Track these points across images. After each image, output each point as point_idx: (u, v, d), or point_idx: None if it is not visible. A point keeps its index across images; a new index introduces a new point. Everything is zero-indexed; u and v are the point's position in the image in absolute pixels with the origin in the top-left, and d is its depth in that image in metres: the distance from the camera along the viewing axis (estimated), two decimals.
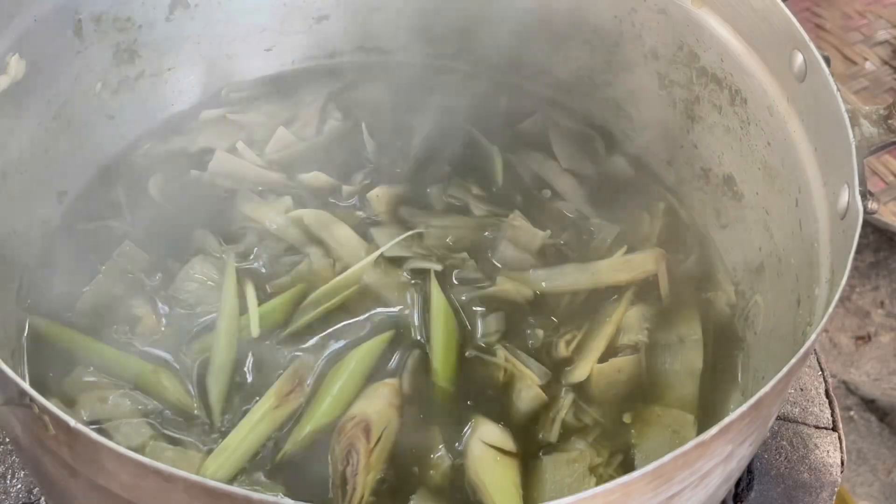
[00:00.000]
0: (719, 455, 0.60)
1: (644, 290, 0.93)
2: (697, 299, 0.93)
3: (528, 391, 0.83)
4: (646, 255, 0.95)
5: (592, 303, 0.91)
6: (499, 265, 0.94)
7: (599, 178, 1.04)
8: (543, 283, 0.92)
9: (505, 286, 0.91)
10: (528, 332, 0.88)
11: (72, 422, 0.53)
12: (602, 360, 0.86)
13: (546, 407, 0.83)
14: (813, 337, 0.61)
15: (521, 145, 1.06)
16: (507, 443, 0.80)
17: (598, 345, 0.87)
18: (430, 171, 1.02)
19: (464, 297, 0.90)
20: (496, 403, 0.83)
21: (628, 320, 0.90)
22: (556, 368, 0.86)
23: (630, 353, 0.87)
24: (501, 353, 0.86)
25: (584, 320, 0.90)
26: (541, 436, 0.81)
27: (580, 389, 0.85)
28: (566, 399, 0.83)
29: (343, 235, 0.94)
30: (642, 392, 0.85)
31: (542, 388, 0.84)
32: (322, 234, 0.94)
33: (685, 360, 0.87)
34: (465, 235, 0.96)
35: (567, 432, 0.82)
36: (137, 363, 0.83)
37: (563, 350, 0.87)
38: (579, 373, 0.85)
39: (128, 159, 1.03)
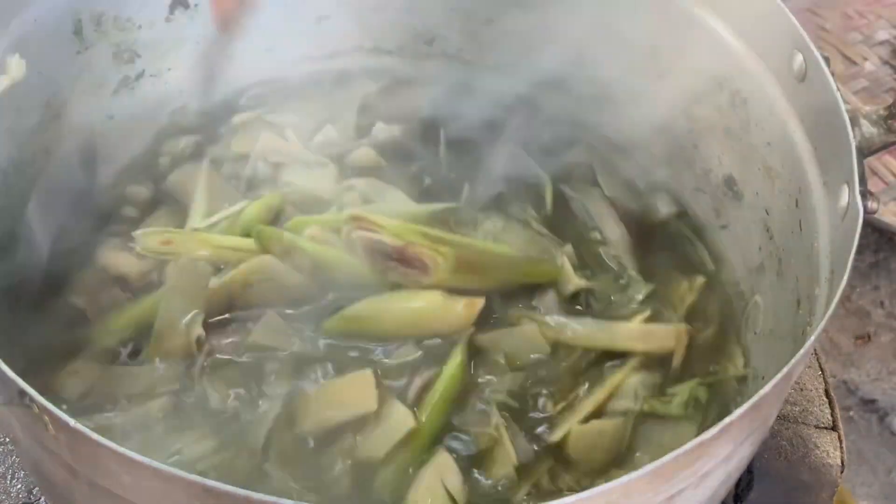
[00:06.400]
0: (719, 455, 0.60)
1: (654, 359, 0.87)
2: (707, 373, 0.87)
3: (502, 468, 0.77)
4: (668, 330, 0.88)
5: (599, 363, 0.86)
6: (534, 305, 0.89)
7: (642, 219, 1.00)
8: (562, 333, 0.86)
9: (525, 329, 0.86)
10: (530, 381, 0.84)
11: (72, 422, 0.53)
12: (585, 421, 0.81)
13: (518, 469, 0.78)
14: (813, 337, 0.61)
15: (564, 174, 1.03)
16: (460, 496, 0.75)
17: (584, 406, 0.82)
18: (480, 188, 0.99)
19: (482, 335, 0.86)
20: (466, 456, 0.78)
21: (626, 386, 0.84)
22: (536, 424, 0.81)
23: (618, 418, 0.82)
24: (494, 420, 0.80)
25: (584, 379, 0.85)
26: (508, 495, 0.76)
27: (557, 450, 0.80)
28: (543, 463, 0.79)
29: (396, 199, 0.94)
30: (623, 458, 0.80)
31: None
32: (376, 199, 0.94)
33: (676, 435, 0.81)
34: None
35: (540, 493, 0.77)
36: None
37: (549, 407, 0.82)
38: (557, 432, 0.80)
39: (128, 159, 1.02)
